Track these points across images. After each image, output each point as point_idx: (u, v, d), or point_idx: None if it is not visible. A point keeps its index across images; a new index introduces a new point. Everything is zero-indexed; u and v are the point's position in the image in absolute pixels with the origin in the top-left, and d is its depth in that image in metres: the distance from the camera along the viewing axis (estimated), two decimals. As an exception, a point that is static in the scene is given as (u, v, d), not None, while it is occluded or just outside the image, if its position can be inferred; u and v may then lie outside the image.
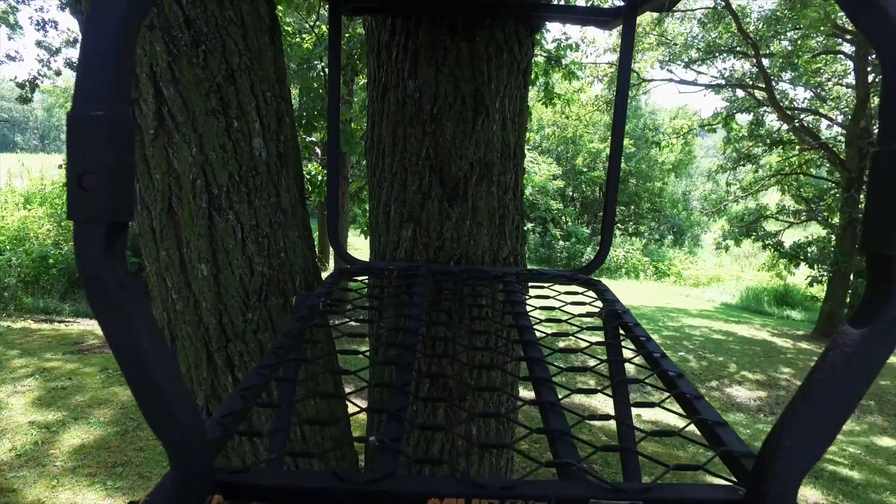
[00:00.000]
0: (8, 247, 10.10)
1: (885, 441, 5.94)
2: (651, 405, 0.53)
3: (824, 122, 12.11)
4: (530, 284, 0.92)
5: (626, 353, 0.71)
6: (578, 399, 6.12)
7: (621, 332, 0.72)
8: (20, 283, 8.89)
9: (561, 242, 16.82)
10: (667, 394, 0.57)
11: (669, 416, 5.41)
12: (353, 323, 1.07)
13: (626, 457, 0.64)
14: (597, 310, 0.79)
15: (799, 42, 9.36)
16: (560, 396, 0.52)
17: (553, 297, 0.80)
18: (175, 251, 0.92)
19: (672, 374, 0.57)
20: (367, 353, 0.94)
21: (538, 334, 0.68)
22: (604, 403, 6.10)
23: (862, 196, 10.94)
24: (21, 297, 8.32)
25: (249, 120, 0.92)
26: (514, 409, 0.65)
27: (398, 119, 1.06)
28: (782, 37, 9.67)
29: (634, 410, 4.39)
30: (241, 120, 0.91)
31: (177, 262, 0.92)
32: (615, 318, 0.73)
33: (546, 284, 0.90)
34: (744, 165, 14.23)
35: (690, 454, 3.97)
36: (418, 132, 1.04)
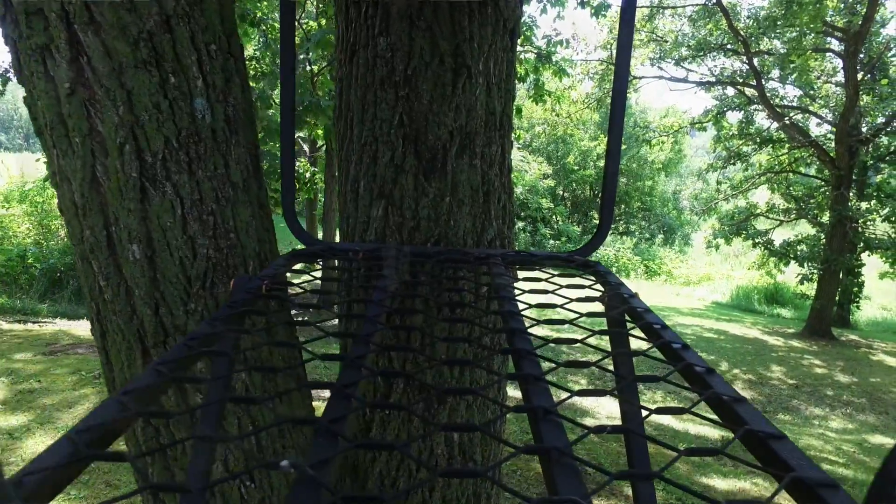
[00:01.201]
0: (-15, 246, 9.84)
1: (877, 439, 5.90)
2: (679, 411, 0.40)
3: (814, 120, 12.14)
4: (519, 268, 0.79)
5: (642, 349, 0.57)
6: (578, 398, 6.01)
7: (629, 319, 0.60)
8: (-1, 285, 8.64)
9: (551, 242, 16.75)
10: (692, 393, 0.44)
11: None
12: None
13: (640, 486, 0.51)
14: (598, 294, 0.66)
15: (796, 43, 9.33)
16: (557, 399, 0.39)
17: (546, 280, 0.67)
18: (101, 230, 0.78)
19: (700, 370, 0.44)
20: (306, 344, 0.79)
21: (528, 322, 0.54)
22: (600, 405, 6.00)
23: (851, 193, 10.95)
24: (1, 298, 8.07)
25: (189, 76, 0.78)
26: (501, 416, 0.52)
27: (368, 82, 0.93)
28: (773, 35, 9.64)
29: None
30: (178, 76, 0.77)
31: (104, 243, 0.78)
32: (621, 303, 0.61)
33: (537, 267, 0.77)
34: (734, 164, 14.25)
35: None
36: (390, 96, 0.90)
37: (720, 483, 3.44)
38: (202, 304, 0.82)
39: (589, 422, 4.64)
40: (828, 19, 9.56)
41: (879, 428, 6.56)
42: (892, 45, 11.43)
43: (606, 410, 5.24)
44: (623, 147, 17.35)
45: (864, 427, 6.54)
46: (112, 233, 0.78)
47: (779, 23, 8.68)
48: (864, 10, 8.68)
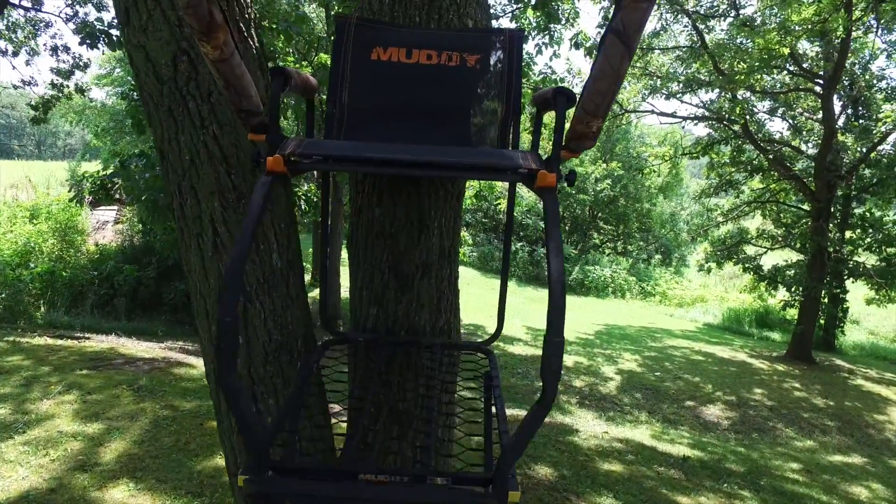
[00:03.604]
0: (17, 261, 10.56)
1: (835, 458, 6.39)
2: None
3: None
4: (445, 350, 1.43)
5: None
6: (560, 418, 6.59)
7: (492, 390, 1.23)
8: (29, 298, 9.35)
9: (550, 262, 17.34)
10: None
11: (638, 435, 5.89)
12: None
13: None
14: (484, 370, 1.29)
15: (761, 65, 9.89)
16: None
17: (462, 364, 1.31)
18: (221, 326, 1.43)
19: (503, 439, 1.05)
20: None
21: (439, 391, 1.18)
22: (583, 420, 6.57)
23: (832, 225, 11.52)
24: (32, 311, 8.78)
25: (270, 242, 1.43)
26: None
27: (368, 232, 1.58)
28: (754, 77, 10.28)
29: (601, 427, 4.86)
30: (265, 243, 1.42)
31: (222, 333, 1.43)
32: (488, 381, 1.23)
33: (460, 351, 1.41)
34: (726, 191, 14.84)
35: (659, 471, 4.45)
36: (381, 243, 1.55)
37: (684, 499, 4.00)
38: (274, 366, 1.47)
39: (573, 440, 5.20)
40: (805, 64, 10.24)
41: (841, 448, 7.08)
42: (874, 83, 12.08)
43: (592, 430, 5.82)
44: (621, 172, 17.82)
45: (826, 448, 7.06)
46: (227, 328, 1.42)
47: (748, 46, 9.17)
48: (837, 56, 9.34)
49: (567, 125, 1.03)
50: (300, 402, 1.11)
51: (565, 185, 1.11)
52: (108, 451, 3.38)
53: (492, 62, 1.28)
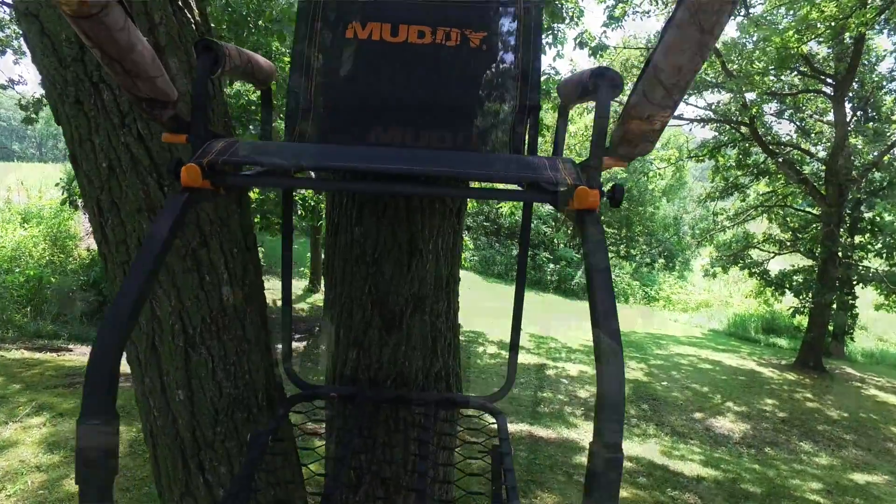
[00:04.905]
0: (4, 267, 10.24)
1: (856, 476, 6.09)
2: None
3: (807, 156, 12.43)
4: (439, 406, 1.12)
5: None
6: (566, 433, 6.27)
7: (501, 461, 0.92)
8: (14, 305, 9.03)
9: (551, 266, 17.04)
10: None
11: (647, 451, 5.57)
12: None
13: None
14: (492, 443, 0.99)
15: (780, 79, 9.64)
16: None
17: (458, 431, 1.01)
18: (157, 379, 1.12)
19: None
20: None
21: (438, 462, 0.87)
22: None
23: (842, 230, 11.21)
24: (17, 319, 8.46)
25: (219, 273, 1.13)
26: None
27: (347, 257, 1.27)
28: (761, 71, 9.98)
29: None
30: (211, 274, 1.12)
31: (158, 388, 1.13)
32: (498, 459, 0.93)
33: (461, 409, 1.11)
34: (731, 195, 14.53)
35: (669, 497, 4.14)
36: (363, 271, 1.25)
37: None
38: (225, 426, 1.16)
39: (580, 460, 4.89)
40: (817, 65, 9.94)
41: (860, 465, 6.76)
42: (883, 84, 11.77)
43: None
44: (623, 175, 17.52)
45: (845, 464, 6.74)
46: (164, 381, 1.12)
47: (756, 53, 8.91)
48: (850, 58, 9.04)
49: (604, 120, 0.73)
50: (247, 498, 0.80)
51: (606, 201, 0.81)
52: (73, 485, 3.07)
53: (502, 41, 0.98)
